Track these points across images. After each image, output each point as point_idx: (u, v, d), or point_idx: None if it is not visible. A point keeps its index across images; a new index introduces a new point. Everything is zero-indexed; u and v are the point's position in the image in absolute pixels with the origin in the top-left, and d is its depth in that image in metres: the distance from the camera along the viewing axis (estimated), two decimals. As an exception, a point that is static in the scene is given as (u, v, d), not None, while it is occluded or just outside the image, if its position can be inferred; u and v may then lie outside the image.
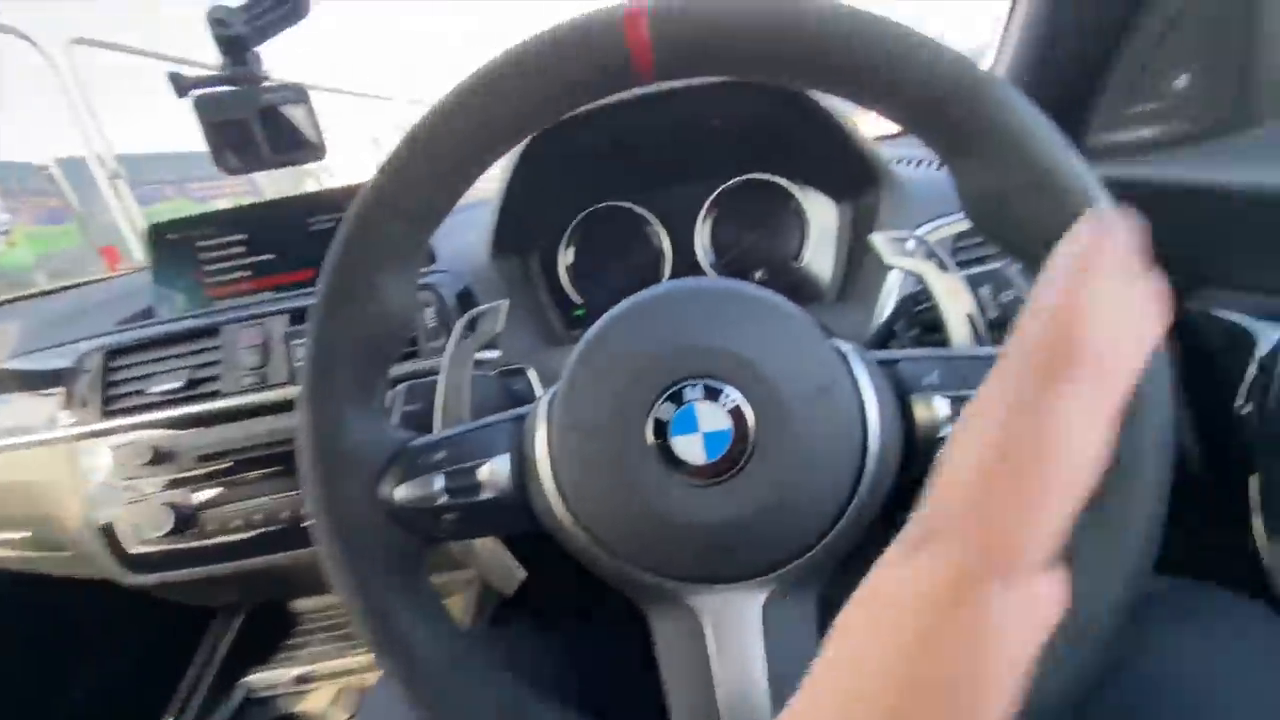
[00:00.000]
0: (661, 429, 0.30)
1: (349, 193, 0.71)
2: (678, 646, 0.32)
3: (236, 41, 0.50)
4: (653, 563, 0.31)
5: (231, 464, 0.63)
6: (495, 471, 0.33)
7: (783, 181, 0.67)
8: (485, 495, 0.33)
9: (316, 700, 0.86)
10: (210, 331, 0.65)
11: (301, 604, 0.96)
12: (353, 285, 0.33)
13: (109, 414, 0.63)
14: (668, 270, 0.70)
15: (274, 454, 0.63)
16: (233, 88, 0.51)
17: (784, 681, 0.31)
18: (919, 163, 0.67)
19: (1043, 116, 0.29)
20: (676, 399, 0.30)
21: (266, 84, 0.51)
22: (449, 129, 0.32)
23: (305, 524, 0.44)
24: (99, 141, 3.42)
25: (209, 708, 0.85)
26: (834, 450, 0.30)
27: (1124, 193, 0.52)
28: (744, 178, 0.68)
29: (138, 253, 3.87)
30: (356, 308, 0.33)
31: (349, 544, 0.31)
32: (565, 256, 0.70)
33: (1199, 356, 0.50)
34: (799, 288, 0.68)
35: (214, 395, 0.62)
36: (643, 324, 0.33)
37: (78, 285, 1.00)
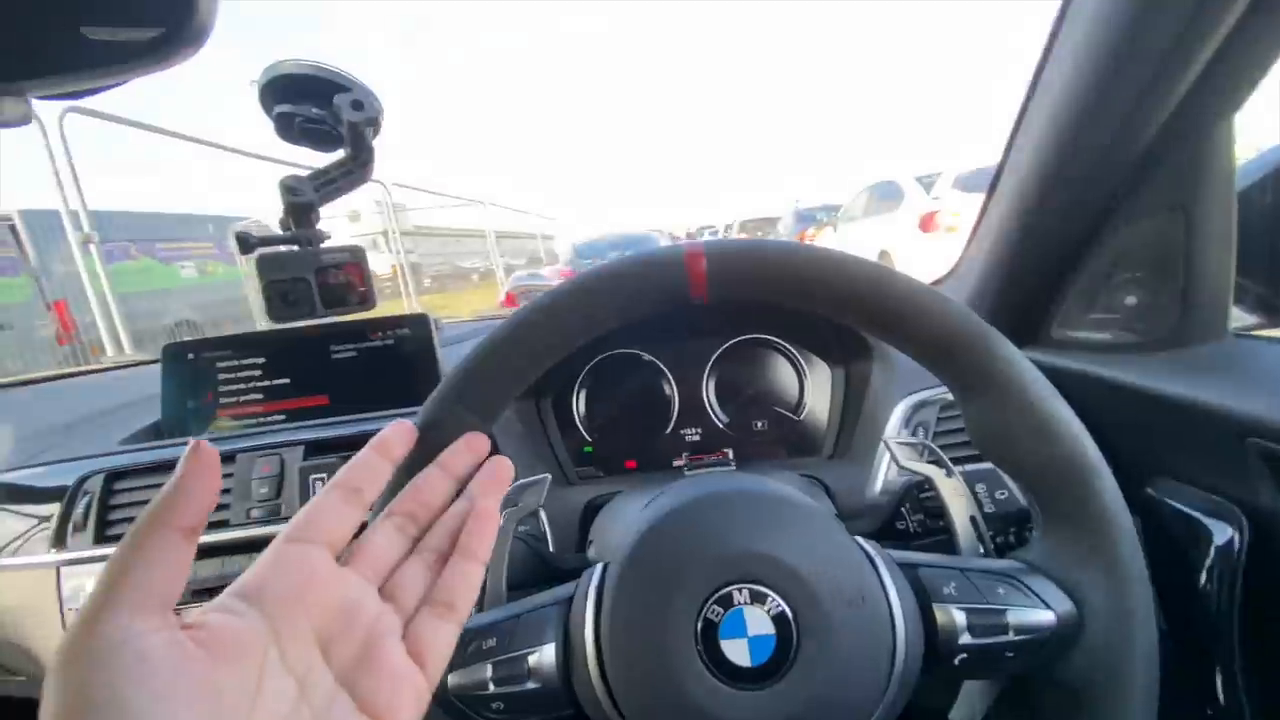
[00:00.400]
0: (710, 630, 0.32)
1: (373, 324, 0.74)
2: None
3: (304, 207, 0.54)
4: None
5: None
6: (542, 660, 0.34)
7: (783, 343, 0.73)
8: (532, 685, 0.34)
9: None
10: (224, 459, 0.65)
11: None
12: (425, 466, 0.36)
13: (103, 540, 0.62)
14: (675, 415, 0.74)
15: None
16: (295, 248, 0.54)
17: None
18: None
19: (1034, 369, 0.35)
20: (725, 602, 0.32)
21: (325, 245, 0.55)
22: (528, 337, 0.37)
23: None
24: (78, 205, 3.39)
25: None
26: (867, 655, 0.32)
27: (1086, 385, 0.59)
28: (748, 336, 0.74)
29: (95, 309, 3.77)
30: None
31: None
32: (579, 400, 0.73)
33: (1159, 540, 0.55)
34: (798, 440, 0.73)
35: (220, 525, 0.62)
36: (693, 523, 0.35)
37: (70, 375, 0.98)
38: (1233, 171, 0.50)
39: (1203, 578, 0.50)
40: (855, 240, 5.76)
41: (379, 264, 9.02)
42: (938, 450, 0.44)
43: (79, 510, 0.63)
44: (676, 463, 0.72)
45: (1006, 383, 0.35)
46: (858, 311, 0.36)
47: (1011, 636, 0.34)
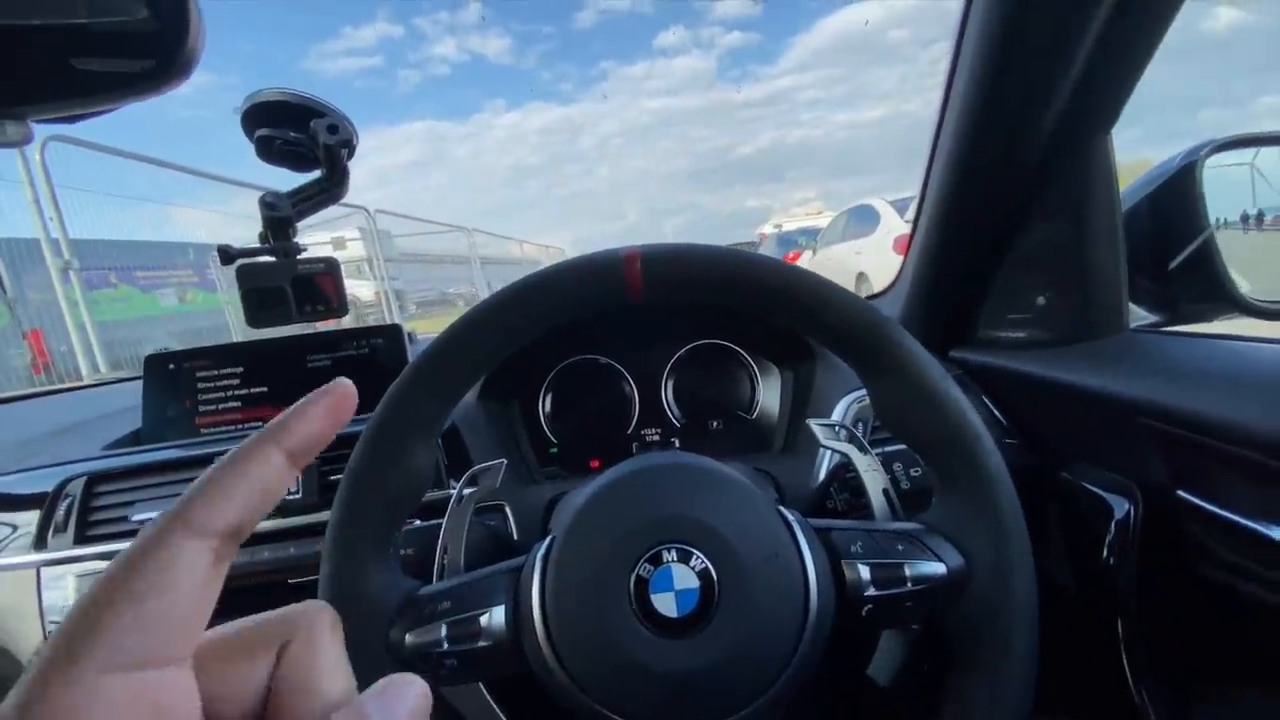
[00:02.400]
0: (642, 585, 0.36)
1: (348, 334, 0.78)
2: None
3: (281, 221, 0.58)
4: (629, 708, 0.36)
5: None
6: (493, 620, 0.37)
7: (736, 347, 0.78)
8: (483, 642, 0.37)
9: None
10: (201, 461, 0.67)
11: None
12: (388, 450, 0.39)
13: (84, 540, 0.64)
14: (635, 416, 0.78)
15: (244, 587, 0.63)
16: (272, 259, 0.58)
17: None
18: None
19: (926, 352, 0.40)
20: (655, 560, 0.36)
21: (301, 256, 0.59)
22: (480, 331, 0.41)
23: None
24: (58, 233, 3.40)
25: None
26: (783, 606, 0.36)
27: (1006, 380, 0.64)
28: (703, 341, 0.79)
29: (73, 337, 3.76)
30: (388, 469, 0.39)
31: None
32: (545, 403, 0.77)
33: (1074, 518, 0.60)
34: (750, 437, 0.77)
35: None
36: (628, 494, 0.40)
37: (53, 392, 1.00)
38: (1114, 183, 0.57)
39: (1105, 550, 0.55)
40: (835, 263, 5.88)
41: (364, 291, 9.03)
42: (851, 429, 0.49)
43: (60, 513, 0.65)
44: None
45: (901, 365, 0.40)
46: (774, 306, 0.41)
47: (909, 587, 0.38)
